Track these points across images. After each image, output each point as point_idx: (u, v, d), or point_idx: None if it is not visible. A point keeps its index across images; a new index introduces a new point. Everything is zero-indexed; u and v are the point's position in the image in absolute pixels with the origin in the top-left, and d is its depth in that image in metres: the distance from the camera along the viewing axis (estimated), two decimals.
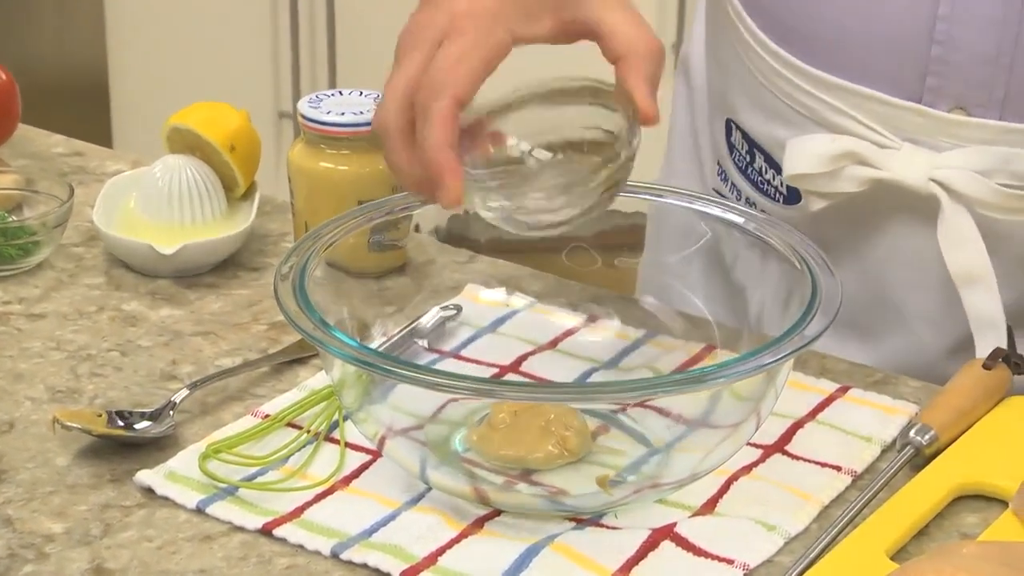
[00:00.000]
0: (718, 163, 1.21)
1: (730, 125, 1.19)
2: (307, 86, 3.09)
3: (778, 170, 1.14)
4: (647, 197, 1.05)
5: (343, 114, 1.15)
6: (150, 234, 1.18)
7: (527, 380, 0.97)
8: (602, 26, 0.94)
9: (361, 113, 1.15)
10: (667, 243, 1.14)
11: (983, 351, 1.07)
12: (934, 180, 1.06)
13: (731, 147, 1.19)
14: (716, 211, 1.04)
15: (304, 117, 1.16)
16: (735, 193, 1.19)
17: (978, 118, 1.05)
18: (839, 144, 1.08)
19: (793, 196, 1.14)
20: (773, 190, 1.15)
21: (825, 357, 1.10)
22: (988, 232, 1.07)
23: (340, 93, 1.18)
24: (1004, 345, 1.07)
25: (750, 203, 1.18)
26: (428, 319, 1.07)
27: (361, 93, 1.18)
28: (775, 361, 0.88)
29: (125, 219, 1.21)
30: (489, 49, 0.93)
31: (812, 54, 1.09)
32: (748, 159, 1.17)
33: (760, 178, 1.16)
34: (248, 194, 1.24)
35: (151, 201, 1.20)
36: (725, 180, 1.20)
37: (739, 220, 1.02)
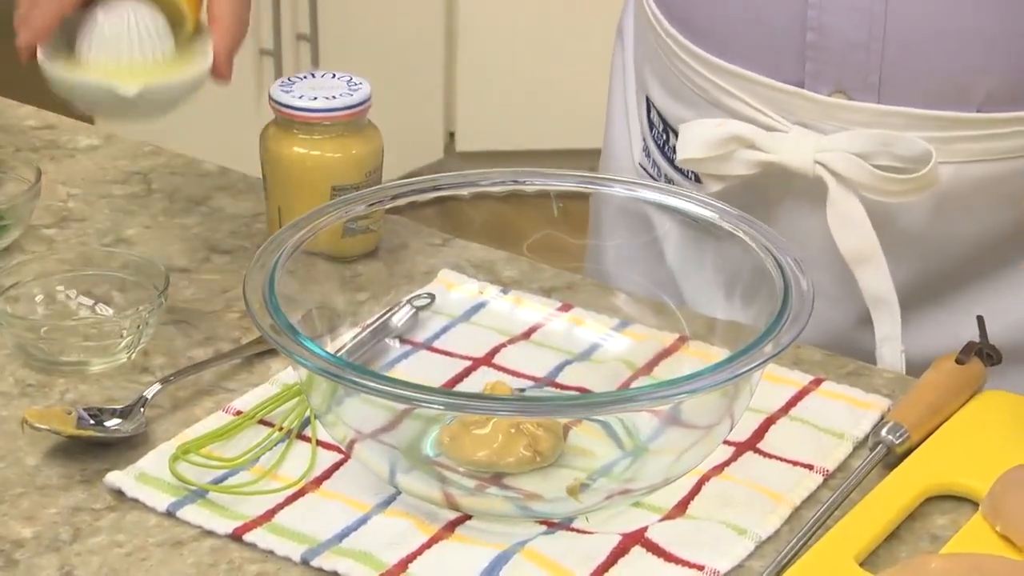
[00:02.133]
0: (643, 138, 1.23)
1: (649, 102, 1.21)
2: (288, 27, 3.07)
3: None
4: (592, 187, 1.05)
5: (315, 99, 1.14)
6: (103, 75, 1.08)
7: (492, 396, 0.96)
8: None
9: (334, 98, 1.14)
10: (609, 230, 1.15)
11: (881, 329, 1.11)
12: (819, 163, 1.08)
13: (651, 124, 1.21)
14: (671, 200, 1.04)
15: (276, 102, 1.15)
16: (655, 169, 1.22)
17: (858, 101, 1.08)
18: (727, 128, 1.10)
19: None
20: (687, 169, 1.17)
21: (799, 347, 1.10)
22: (876, 212, 1.09)
23: (313, 76, 1.17)
24: (899, 321, 1.10)
25: (668, 180, 1.20)
26: (400, 316, 1.06)
27: (334, 76, 1.17)
28: (747, 370, 0.87)
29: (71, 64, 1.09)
30: None
31: (704, 38, 1.12)
32: (664, 137, 1.19)
33: (674, 156, 1.18)
34: (198, 32, 1.12)
35: (96, 47, 1.08)
36: (648, 156, 1.22)
37: (711, 215, 1.01)
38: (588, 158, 3.84)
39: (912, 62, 1.06)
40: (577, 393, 1.02)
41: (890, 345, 1.11)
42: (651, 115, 1.20)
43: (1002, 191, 1.09)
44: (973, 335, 1.05)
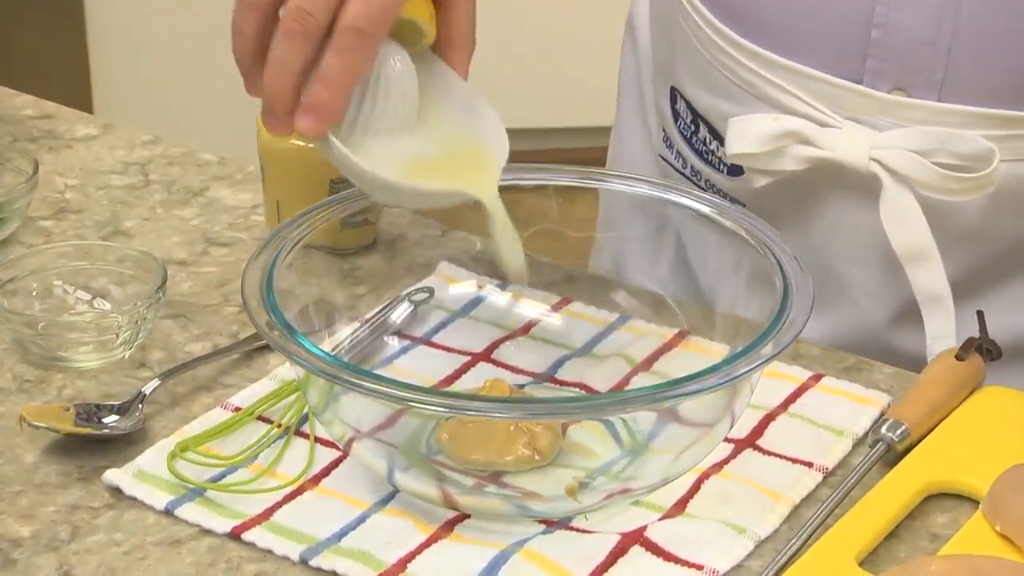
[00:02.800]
0: (664, 129, 1.22)
1: (675, 93, 1.19)
2: None
3: (722, 142, 1.14)
4: (615, 185, 1.05)
5: None
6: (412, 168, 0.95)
7: (490, 397, 0.95)
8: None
9: None
10: (620, 221, 1.14)
11: (932, 327, 1.09)
12: (874, 160, 1.07)
13: (676, 114, 1.20)
14: (672, 196, 1.03)
15: None
16: (680, 161, 1.20)
17: (917, 99, 1.06)
18: (781, 124, 1.09)
19: (737, 168, 1.15)
20: (717, 160, 1.16)
21: (799, 341, 1.09)
22: (930, 208, 1.08)
23: None
24: (953, 320, 1.08)
25: (695, 171, 1.19)
26: (398, 314, 1.06)
27: None
28: (747, 371, 0.87)
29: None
30: None
31: (756, 33, 1.10)
32: (692, 128, 1.17)
33: (704, 148, 1.17)
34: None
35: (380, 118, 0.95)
36: (670, 147, 1.21)
37: (707, 210, 1.01)
38: (593, 136, 3.84)
39: (977, 60, 1.05)
40: (575, 394, 1.01)
41: (943, 343, 1.09)
42: (676, 106, 1.18)
43: None
44: (1008, 327, 1.04)
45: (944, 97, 1.06)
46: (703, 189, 1.17)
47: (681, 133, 1.19)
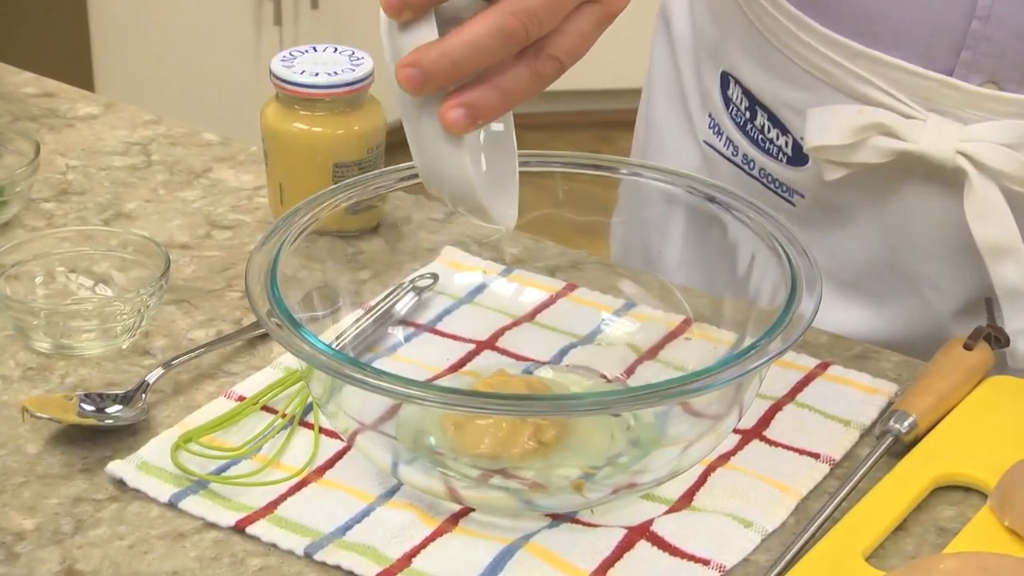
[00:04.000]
0: (710, 115, 1.19)
1: (727, 79, 1.17)
2: None
3: (783, 130, 1.12)
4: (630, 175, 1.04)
5: (317, 75, 1.13)
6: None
7: (495, 393, 0.94)
8: None
9: (336, 73, 1.13)
10: (643, 206, 1.13)
11: (1013, 322, 1.07)
12: (961, 153, 1.05)
13: (727, 101, 1.17)
14: (679, 186, 1.02)
15: (277, 77, 1.13)
16: (731, 148, 1.17)
17: (1010, 92, 1.04)
18: (866, 116, 1.06)
19: (799, 159, 1.12)
20: (776, 150, 1.14)
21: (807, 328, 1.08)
22: (1015, 204, 1.06)
23: (315, 50, 1.16)
24: None
25: (747, 159, 1.17)
26: (403, 304, 1.05)
27: (336, 50, 1.16)
28: (755, 368, 0.86)
29: None
30: None
31: (838, 21, 1.07)
32: (748, 116, 1.15)
33: (761, 136, 1.14)
34: None
35: None
36: (719, 134, 1.18)
37: (716, 203, 1.00)
38: (591, 100, 3.80)
39: None
40: (580, 389, 1.01)
41: None
42: (728, 92, 1.16)
43: None
44: None
45: None
46: (753, 178, 1.16)
47: (733, 120, 1.16)
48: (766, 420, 0.99)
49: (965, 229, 1.07)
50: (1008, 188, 1.05)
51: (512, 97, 0.84)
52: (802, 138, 1.10)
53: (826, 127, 1.07)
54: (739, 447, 0.97)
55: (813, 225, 1.13)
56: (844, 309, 1.12)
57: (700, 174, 1.07)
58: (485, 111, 0.84)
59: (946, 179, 1.07)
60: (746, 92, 1.15)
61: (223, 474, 0.94)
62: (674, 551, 0.89)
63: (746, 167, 1.17)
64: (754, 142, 1.15)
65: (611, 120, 3.60)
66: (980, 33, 1.04)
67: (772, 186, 1.14)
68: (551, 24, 0.84)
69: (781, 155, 1.13)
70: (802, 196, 1.13)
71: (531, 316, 1.07)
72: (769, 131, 1.13)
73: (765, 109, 1.13)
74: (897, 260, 1.12)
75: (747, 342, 0.94)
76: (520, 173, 0.95)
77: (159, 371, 1.00)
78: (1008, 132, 1.05)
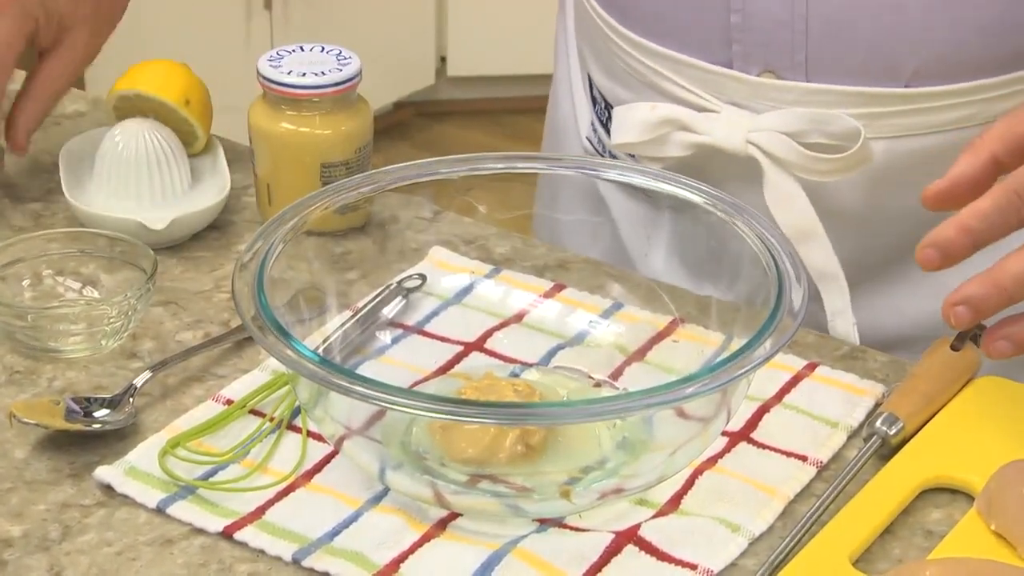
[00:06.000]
0: (589, 113, 1.22)
1: (590, 79, 1.21)
2: None
3: None
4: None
5: (304, 75, 1.12)
6: (127, 207, 1.14)
7: (480, 402, 0.94)
8: None
9: (323, 73, 1.13)
10: (565, 204, 1.14)
11: (831, 304, 1.12)
12: (751, 143, 1.08)
13: (593, 100, 1.21)
14: (665, 185, 1.02)
15: (264, 77, 1.13)
16: (601, 145, 1.21)
17: (787, 80, 1.08)
18: (659, 112, 1.10)
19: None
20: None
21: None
22: (812, 189, 1.09)
23: (301, 49, 1.16)
24: (847, 294, 1.11)
25: (612, 156, 1.20)
26: (391, 307, 1.05)
27: (323, 49, 1.16)
28: (742, 374, 0.86)
29: (94, 191, 1.17)
30: None
31: (635, 21, 1.12)
32: (607, 115, 1.18)
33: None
34: (208, 147, 1.21)
35: (115, 171, 1.16)
36: (595, 131, 1.22)
37: (700, 200, 1.00)
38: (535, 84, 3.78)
39: (837, 39, 1.06)
40: (566, 400, 1.01)
41: (842, 318, 1.12)
42: (593, 91, 1.20)
43: (936, 165, 1.07)
44: (919, 310, 1.05)
45: (812, 77, 1.07)
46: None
47: (598, 117, 1.20)
48: (753, 422, 0.99)
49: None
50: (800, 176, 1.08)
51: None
52: None
53: (627, 125, 1.12)
54: (727, 449, 0.97)
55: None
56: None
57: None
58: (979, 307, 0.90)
59: (748, 171, 1.10)
60: (600, 92, 1.19)
61: (211, 479, 0.94)
62: (661, 556, 0.89)
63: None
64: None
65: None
66: (741, 25, 1.07)
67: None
68: None
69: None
70: None
71: (519, 317, 1.07)
72: (611, 135, 1.16)
73: (612, 108, 1.16)
74: None
75: (734, 343, 0.94)
76: (507, 173, 0.95)
77: (147, 374, 1.00)
78: (789, 120, 1.08)
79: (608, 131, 1.18)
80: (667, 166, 1.11)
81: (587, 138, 1.23)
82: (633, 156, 1.16)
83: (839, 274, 1.11)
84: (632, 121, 1.12)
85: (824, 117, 1.07)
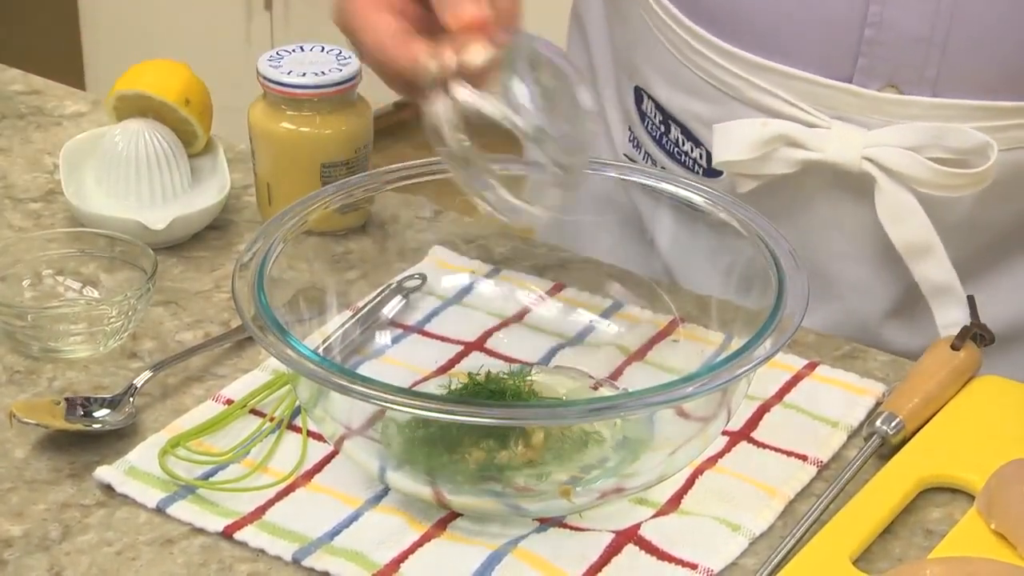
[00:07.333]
0: (629, 129, 1.19)
1: (640, 93, 1.17)
2: None
3: (696, 143, 1.12)
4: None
5: (304, 75, 1.12)
6: (127, 207, 1.15)
7: (479, 402, 0.94)
8: None
9: (323, 73, 1.13)
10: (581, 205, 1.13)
11: (943, 318, 1.08)
12: (867, 158, 1.06)
13: (642, 115, 1.17)
14: (665, 185, 1.02)
15: (264, 77, 1.13)
16: (648, 161, 1.18)
17: (910, 95, 1.05)
18: (770, 128, 1.07)
19: (714, 170, 1.12)
20: (691, 162, 1.14)
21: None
22: (928, 201, 1.06)
23: (301, 49, 1.15)
24: (966, 308, 1.07)
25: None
26: (390, 307, 1.05)
27: (323, 49, 1.16)
28: (742, 373, 0.86)
29: (94, 191, 1.17)
30: None
31: (735, 34, 1.08)
32: (662, 129, 1.15)
33: (677, 149, 1.15)
34: (208, 147, 1.21)
35: (114, 171, 1.16)
36: (637, 147, 1.18)
37: (701, 201, 1.00)
38: None
39: (972, 54, 1.03)
40: (566, 399, 1.00)
41: (956, 331, 1.07)
42: (643, 106, 1.16)
43: None
44: (1008, 314, 1.03)
45: (938, 92, 1.05)
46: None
47: (650, 134, 1.16)
48: (754, 421, 0.99)
49: (880, 231, 1.07)
50: (914, 189, 1.06)
51: None
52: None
53: (732, 142, 1.08)
54: (727, 449, 0.97)
55: None
56: None
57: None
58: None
59: (855, 184, 1.07)
60: (658, 106, 1.15)
61: (211, 479, 0.94)
62: (662, 555, 0.89)
63: None
64: (670, 155, 1.15)
65: None
66: (874, 39, 1.04)
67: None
68: None
69: (697, 167, 1.14)
70: None
71: (519, 317, 1.07)
72: (683, 144, 1.14)
73: (678, 123, 1.14)
74: (817, 265, 1.11)
75: (735, 343, 0.94)
76: (504, 176, 0.95)
77: (147, 374, 1.00)
78: (910, 135, 1.05)
79: (663, 147, 1.15)
80: (767, 182, 1.09)
81: (625, 154, 1.20)
82: (701, 168, 1.13)
83: (955, 286, 1.07)
84: (739, 138, 1.07)
85: (947, 131, 1.04)
